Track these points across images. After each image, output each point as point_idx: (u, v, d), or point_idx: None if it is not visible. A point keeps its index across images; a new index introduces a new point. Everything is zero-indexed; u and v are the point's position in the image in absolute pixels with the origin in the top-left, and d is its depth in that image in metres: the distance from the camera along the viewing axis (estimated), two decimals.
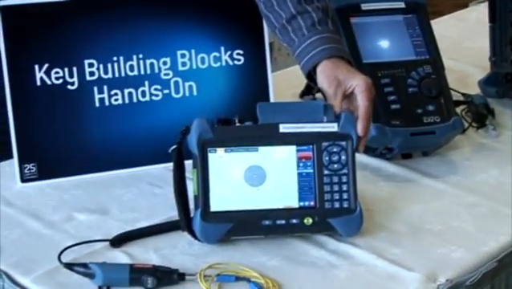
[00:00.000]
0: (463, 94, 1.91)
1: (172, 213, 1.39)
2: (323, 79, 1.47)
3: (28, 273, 1.31)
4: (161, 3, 1.69)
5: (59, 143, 1.52)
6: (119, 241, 1.39)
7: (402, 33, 1.73)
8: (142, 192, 1.57)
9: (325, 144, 1.35)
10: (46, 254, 1.33)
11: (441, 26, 1.83)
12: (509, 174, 1.68)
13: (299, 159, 1.35)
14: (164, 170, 1.59)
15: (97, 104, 1.60)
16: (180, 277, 1.29)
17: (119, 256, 1.36)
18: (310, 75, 1.53)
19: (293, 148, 1.35)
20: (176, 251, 1.37)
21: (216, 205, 1.35)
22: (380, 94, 1.65)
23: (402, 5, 1.75)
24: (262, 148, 1.34)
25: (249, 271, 1.31)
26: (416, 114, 1.67)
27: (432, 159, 1.72)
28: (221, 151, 1.33)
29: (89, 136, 1.59)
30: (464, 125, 1.78)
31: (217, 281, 1.28)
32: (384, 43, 1.71)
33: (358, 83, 1.43)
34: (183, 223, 1.37)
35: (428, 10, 1.79)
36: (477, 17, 2.09)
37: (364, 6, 1.73)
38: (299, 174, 1.36)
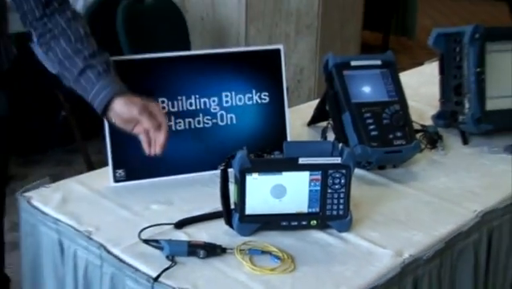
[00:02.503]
0: (421, 125, 1.90)
1: (218, 206, 1.39)
2: (121, 107, 1.42)
3: (118, 245, 1.33)
4: (212, 60, 1.70)
5: (141, 155, 1.51)
6: (180, 224, 1.40)
7: (379, 81, 1.73)
8: (197, 190, 1.57)
9: (330, 171, 1.35)
10: (130, 233, 1.34)
11: (406, 78, 1.83)
12: (454, 180, 1.69)
13: (311, 180, 1.35)
14: (212, 175, 1.59)
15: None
16: (223, 250, 1.30)
17: (181, 235, 1.37)
18: (105, 111, 1.44)
19: (307, 173, 1.34)
20: (220, 232, 1.38)
21: (249, 210, 1.35)
22: (363, 124, 1.65)
23: (379, 62, 1.75)
24: (284, 173, 1.34)
25: (271, 247, 1.32)
26: (388, 138, 1.66)
27: (399, 170, 1.72)
28: (255, 174, 1.33)
29: (164, 151, 1.58)
30: (421, 146, 1.77)
31: (248, 254, 1.30)
32: (366, 89, 1.70)
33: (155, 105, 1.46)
34: (226, 220, 1.38)
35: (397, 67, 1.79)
36: (431, 71, 2.09)
37: (353, 63, 1.73)
38: (310, 190, 1.35)
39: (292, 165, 1.34)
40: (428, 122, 1.96)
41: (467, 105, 1.86)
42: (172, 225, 1.39)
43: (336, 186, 1.36)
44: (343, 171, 1.35)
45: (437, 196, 1.60)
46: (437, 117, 1.97)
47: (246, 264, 1.27)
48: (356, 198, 1.53)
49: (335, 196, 1.36)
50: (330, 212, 1.37)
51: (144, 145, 1.44)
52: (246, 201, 1.34)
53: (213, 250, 1.29)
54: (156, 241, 1.29)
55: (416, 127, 1.82)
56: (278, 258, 1.29)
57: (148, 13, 3.12)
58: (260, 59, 1.73)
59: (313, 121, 1.96)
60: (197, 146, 1.63)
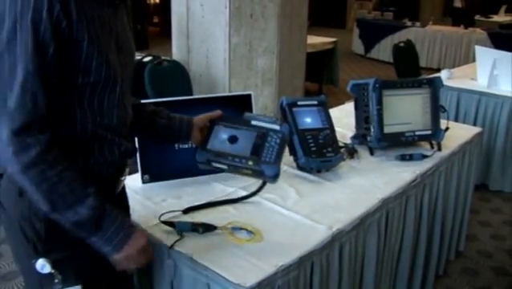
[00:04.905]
0: (344, 143, 1.90)
1: (213, 198, 1.36)
2: (200, 121, 1.28)
3: (145, 224, 1.29)
4: (207, 101, 1.67)
5: (161, 165, 1.48)
6: (186, 211, 1.37)
7: (316, 115, 1.71)
8: (197, 188, 1.53)
9: (271, 133, 1.26)
10: (154, 216, 1.31)
11: (333, 112, 1.83)
12: (364, 179, 1.68)
13: (256, 136, 1.25)
14: (207, 178, 1.56)
15: (176, 148, 1.57)
16: (215, 228, 1.27)
17: (187, 218, 1.34)
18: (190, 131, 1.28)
19: (255, 131, 1.26)
20: (213, 216, 1.35)
21: (209, 146, 1.25)
22: (306, 143, 1.64)
23: (316, 102, 1.74)
24: (240, 128, 1.27)
25: (246, 225, 1.29)
26: (322, 152, 1.65)
27: (330, 173, 1.71)
28: (221, 125, 1.28)
29: (175, 161, 1.55)
30: (344, 157, 1.77)
31: (231, 230, 1.27)
32: (308, 119, 1.69)
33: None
34: (195, 151, 1.26)
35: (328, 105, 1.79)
36: (349, 108, 2.10)
37: (299, 103, 1.72)
38: (254, 143, 1.25)
39: (246, 124, 1.28)
40: (348, 141, 1.95)
41: (372, 130, 1.87)
42: (181, 212, 1.36)
43: (272, 143, 1.25)
44: (279, 135, 1.26)
45: (354, 189, 1.59)
46: (354, 138, 1.96)
47: (230, 237, 1.24)
48: (302, 192, 1.52)
49: (270, 149, 1.24)
50: (264, 159, 1.23)
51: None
52: (210, 139, 1.26)
53: (208, 228, 1.26)
54: (171, 222, 1.26)
55: (341, 144, 1.81)
56: (251, 232, 1.26)
57: (165, 72, 3.11)
58: (238, 101, 1.71)
59: None
60: (194, 159, 1.58)
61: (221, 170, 1.25)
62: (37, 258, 0.99)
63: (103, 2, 0.96)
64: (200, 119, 1.29)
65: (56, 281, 0.99)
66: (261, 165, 1.22)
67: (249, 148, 1.24)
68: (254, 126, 1.27)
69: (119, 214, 1.01)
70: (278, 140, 1.25)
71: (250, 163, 1.22)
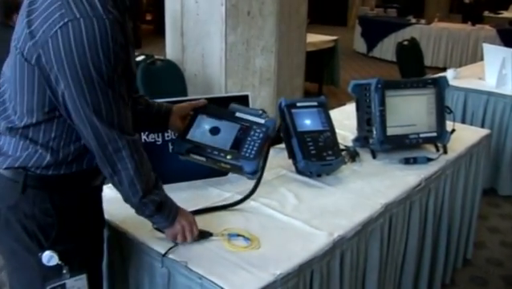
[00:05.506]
0: (345, 145, 1.91)
1: (208, 204, 1.36)
2: (181, 109, 1.34)
3: (138, 231, 1.30)
4: None
5: (155, 170, 1.48)
6: None
7: (316, 116, 1.72)
8: (192, 193, 1.52)
9: (254, 127, 1.28)
10: (147, 223, 1.26)
11: (334, 114, 1.84)
12: (367, 183, 1.69)
13: (239, 129, 1.27)
14: (202, 182, 1.57)
15: (170, 150, 1.57)
16: (210, 235, 1.27)
17: None
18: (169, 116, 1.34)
19: (238, 124, 1.28)
20: (208, 222, 1.34)
21: (189, 136, 1.28)
22: (306, 146, 1.65)
23: (316, 103, 1.75)
24: (223, 120, 1.29)
25: (243, 232, 1.30)
26: (322, 155, 1.66)
27: (331, 177, 1.71)
28: (205, 115, 1.30)
29: (167, 165, 1.55)
30: (345, 160, 1.78)
31: (227, 237, 1.27)
32: (308, 121, 1.70)
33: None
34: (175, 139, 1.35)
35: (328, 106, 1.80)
36: (350, 109, 2.12)
37: (298, 104, 1.73)
38: (235, 136, 1.27)
39: (230, 116, 1.29)
40: (350, 143, 1.96)
41: (374, 132, 1.88)
42: None
43: (254, 138, 1.26)
44: (263, 129, 1.27)
45: (356, 194, 1.60)
46: (355, 140, 1.98)
47: (226, 244, 1.25)
48: (302, 197, 1.53)
49: (252, 144, 1.25)
50: (244, 154, 1.24)
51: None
52: (191, 130, 1.28)
53: (203, 235, 1.26)
54: None
55: (342, 147, 1.82)
56: (248, 239, 1.27)
57: (159, 71, 3.13)
58: (235, 102, 1.70)
59: (272, 144, 1.94)
60: (190, 163, 1.58)
61: (201, 162, 1.28)
62: (43, 252, 1.06)
63: (134, 18, 1.09)
64: (182, 106, 1.32)
65: (64, 271, 1.08)
66: (239, 160, 1.23)
67: (230, 141, 1.25)
68: (238, 118, 1.28)
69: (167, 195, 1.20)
70: (261, 135, 1.26)
71: (229, 157, 1.23)
